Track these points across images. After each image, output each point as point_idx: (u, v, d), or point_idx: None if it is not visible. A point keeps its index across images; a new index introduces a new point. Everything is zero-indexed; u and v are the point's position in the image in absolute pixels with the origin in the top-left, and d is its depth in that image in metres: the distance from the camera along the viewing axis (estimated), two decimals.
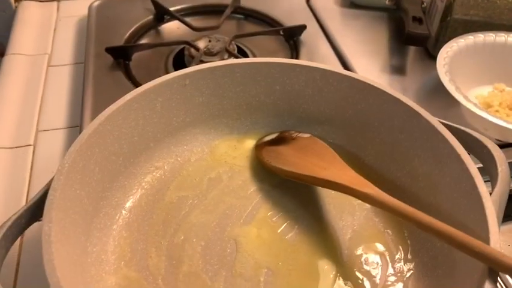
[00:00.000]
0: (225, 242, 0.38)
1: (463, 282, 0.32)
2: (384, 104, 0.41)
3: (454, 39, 0.53)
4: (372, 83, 0.41)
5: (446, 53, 0.51)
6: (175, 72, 0.42)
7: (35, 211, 0.33)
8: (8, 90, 0.58)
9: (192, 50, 0.57)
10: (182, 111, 0.44)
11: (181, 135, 0.45)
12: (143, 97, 0.40)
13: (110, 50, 0.56)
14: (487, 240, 0.30)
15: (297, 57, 0.59)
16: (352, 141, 0.45)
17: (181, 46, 0.59)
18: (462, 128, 0.39)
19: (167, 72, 0.50)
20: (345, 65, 0.59)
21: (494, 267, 0.28)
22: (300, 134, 0.45)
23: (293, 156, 0.42)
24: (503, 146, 0.48)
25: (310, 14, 0.66)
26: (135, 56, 0.58)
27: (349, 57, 0.59)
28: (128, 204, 0.41)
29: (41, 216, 0.31)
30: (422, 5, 0.63)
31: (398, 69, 0.58)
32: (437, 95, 0.53)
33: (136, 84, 0.53)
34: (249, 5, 0.67)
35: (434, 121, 0.37)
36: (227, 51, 0.56)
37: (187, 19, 0.63)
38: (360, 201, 0.40)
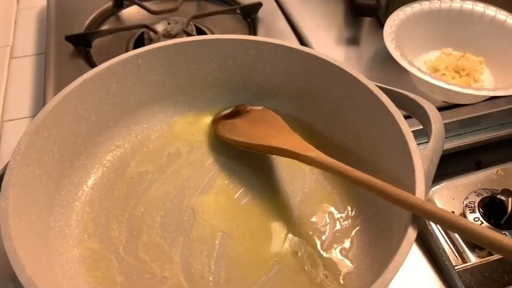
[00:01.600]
0: (182, 211, 0.41)
1: (397, 232, 0.34)
2: (328, 72, 0.43)
3: (401, 8, 0.56)
4: (315, 54, 0.43)
5: (393, 21, 0.53)
6: (128, 52, 0.43)
7: None
8: None
9: (151, 33, 0.58)
10: (138, 90, 0.46)
11: (139, 114, 0.47)
12: (98, 78, 0.42)
13: (70, 38, 0.57)
14: (413, 191, 0.32)
15: (254, 34, 0.61)
16: (303, 111, 0.47)
17: (141, 30, 0.61)
18: (400, 90, 0.41)
19: None
20: (302, 40, 0.61)
21: (415, 213, 0.30)
22: (254, 107, 0.47)
23: (246, 128, 0.44)
24: (448, 107, 0.51)
25: None
26: (96, 42, 0.60)
27: (306, 32, 0.61)
28: (90, 181, 0.43)
29: None
30: None
31: (352, 41, 0.60)
32: (389, 63, 0.55)
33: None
34: None
35: (372, 85, 0.40)
36: (185, 32, 0.58)
37: (146, 3, 0.65)
38: (310, 167, 0.43)
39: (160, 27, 0.59)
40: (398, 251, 0.29)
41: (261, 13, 0.63)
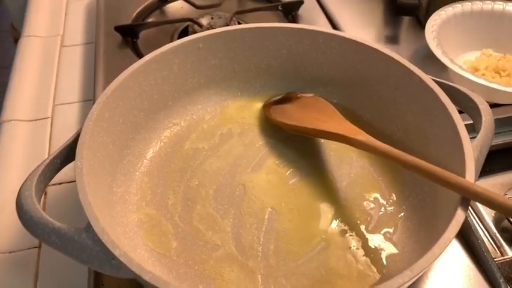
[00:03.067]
0: (234, 186, 0.43)
1: (443, 218, 0.36)
2: (380, 63, 0.44)
3: (442, 8, 0.56)
4: (368, 44, 0.45)
5: (435, 21, 0.54)
6: (190, 36, 0.46)
7: (68, 153, 0.38)
8: (25, 70, 0.63)
9: (196, 26, 0.61)
10: (197, 72, 0.48)
11: (196, 95, 0.49)
12: (161, 58, 0.45)
13: (119, 29, 0.61)
14: (464, 175, 0.33)
15: None
16: (352, 100, 0.49)
17: (186, 24, 0.63)
18: (451, 84, 0.42)
19: None
20: None
21: (465, 195, 0.31)
22: (304, 94, 0.49)
23: (296, 112, 0.46)
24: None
25: None
26: (142, 34, 0.63)
27: (346, 29, 0.63)
28: (149, 154, 0.45)
29: (73, 158, 0.36)
30: None
31: (391, 40, 0.62)
32: (428, 62, 0.56)
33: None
34: None
35: (425, 76, 0.41)
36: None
37: None
38: (357, 153, 0.45)
39: (204, 22, 0.62)
40: (447, 228, 0.30)
41: (301, 11, 0.65)
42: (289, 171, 0.44)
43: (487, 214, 0.44)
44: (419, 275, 0.28)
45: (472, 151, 0.35)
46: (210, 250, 0.38)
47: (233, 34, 0.47)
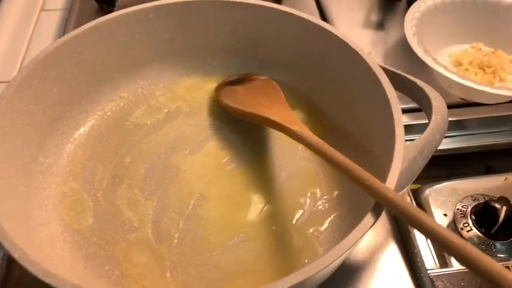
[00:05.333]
0: (167, 168, 0.41)
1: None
2: (334, 47, 0.41)
3: None
4: (321, 24, 0.41)
5: (418, 8, 0.50)
6: (139, 5, 0.44)
7: None
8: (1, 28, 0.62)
9: None
10: (147, 45, 0.46)
11: (147, 69, 0.47)
12: (104, 27, 0.42)
13: None
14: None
15: None
16: (309, 86, 0.46)
17: None
18: (407, 76, 0.38)
19: None
20: (325, 18, 0.59)
21: (378, 200, 0.29)
22: (259, 77, 0.46)
23: (244, 96, 0.43)
24: (467, 105, 0.48)
25: None
26: (121, 2, 0.60)
27: (332, 10, 0.59)
28: (87, 127, 0.44)
29: None
30: None
31: (378, 25, 0.58)
32: (413, 51, 0.52)
33: None
34: None
35: (374, 64, 0.37)
36: None
37: None
38: (302, 145, 0.42)
39: None
40: (349, 234, 0.27)
41: None
42: (228, 157, 0.42)
43: None
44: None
45: (406, 153, 0.32)
46: (125, 231, 0.37)
47: (186, 6, 0.45)
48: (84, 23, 0.57)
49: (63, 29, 0.59)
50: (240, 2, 0.44)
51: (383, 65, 0.39)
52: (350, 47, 0.40)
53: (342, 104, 0.43)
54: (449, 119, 0.36)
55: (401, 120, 0.34)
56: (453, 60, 0.52)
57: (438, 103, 0.37)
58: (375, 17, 0.59)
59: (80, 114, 0.44)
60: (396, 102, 0.35)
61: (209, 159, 0.42)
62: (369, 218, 0.28)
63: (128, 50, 0.45)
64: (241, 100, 0.43)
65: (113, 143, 0.43)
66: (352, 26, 0.58)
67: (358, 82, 0.40)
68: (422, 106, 0.38)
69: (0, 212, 0.30)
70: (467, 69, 0.49)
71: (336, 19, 0.58)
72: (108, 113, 0.45)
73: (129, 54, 0.45)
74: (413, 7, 0.51)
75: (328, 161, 0.33)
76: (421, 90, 0.38)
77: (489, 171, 0.46)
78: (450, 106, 0.48)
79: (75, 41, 0.41)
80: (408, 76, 0.39)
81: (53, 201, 0.38)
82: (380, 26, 0.58)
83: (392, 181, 0.30)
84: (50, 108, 0.40)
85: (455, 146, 0.45)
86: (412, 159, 0.33)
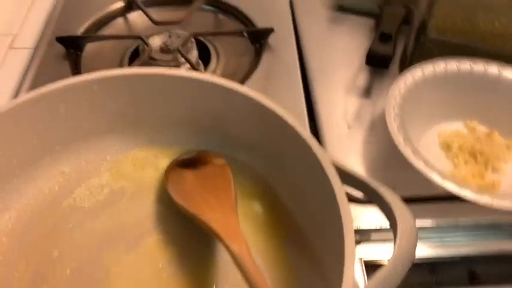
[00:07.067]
0: (96, 269, 0.36)
1: None
2: (289, 134, 0.36)
3: (420, 64, 0.46)
4: (270, 107, 0.37)
5: (399, 89, 0.44)
6: (81, 76, 0.39)
7: None
8: None
9: (144, 46, 0.54)
10: (93, 117, 0.41)
11: (93, 140, 0.42)
12: (41, 101, 0.38)
13: (61, 40, 0.54)
14: None
15: (258, 62, 0.55)
16: (270, 173, 0.40)
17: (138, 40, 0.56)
18: (361, 177, 0.33)
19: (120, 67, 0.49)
20: (305, 79, 0.54)
21: None
22: (215, 159, 0.41)
23: (191, 185, 0.38)
24: (449, 198, 0.42)
25: (290, 15, 0.61)
26: (93, 46, 0.56)
27: (314, 68, 0.54)
28: (18, 209, 0.39)
29: None
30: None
31: (364, 91, 0.52)
32: None
33: None
34: None
35: (327, 163, 0.32)
36: (179, 51, 0.52)
37: (155, 9, 0.60)
38: None
39: (159, 40, 0.55)
40: None
41: (272, 39, 0.57)
42: (166, 260, 0.37)
43: None
44: None
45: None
46: None
47: (136, 79, 0.40)
48: (45, 68, 0.54)
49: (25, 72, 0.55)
50: (192, 79, 0.40)
51: (340, 164, 0.33)
52: (302, 137, 0.34)
53: (302, 201, 0.37)
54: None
55: (353, 248, 0.28)
56: (442, 141, 0.46)
57: (405, 225, 0.31)
58: (361, 82, 0.53)
59: (10, 194, 0.39)
60: (348, 212, 0.30)
61: (145, 261, 0.37)
62: None
63: (70, 121, 0.40)
64: (187, 193, 0.38)
65: (43, 231, 0.38)
66: (335, 89, 0.52)
67: (314, 181, 0.34)
68: (388, 220, 0.33)
69: None
70: (456, 156, 0.44)
71: (317, 80, 0.53)
72: (45, 191, 0.40)
73: (72, 125, 0.41)
74: (400, 81, 0.45)
75: None
76: (384, 203, 0.32)
77: (473, 278, 0.40)
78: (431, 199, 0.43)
79: (6, 116, 0.36)
80: (362, 177, 0.34)
81: None
82: (367, 92, 0.52)
83: None
84: None
85: (436, 255, 0.39)
86: None
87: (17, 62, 0.59)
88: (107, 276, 0.36)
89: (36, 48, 0.58)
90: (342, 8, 0.62)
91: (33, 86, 0.51)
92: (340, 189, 0.31)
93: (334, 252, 0.31)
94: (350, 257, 0.28)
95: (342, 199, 0.31)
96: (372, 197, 0.33)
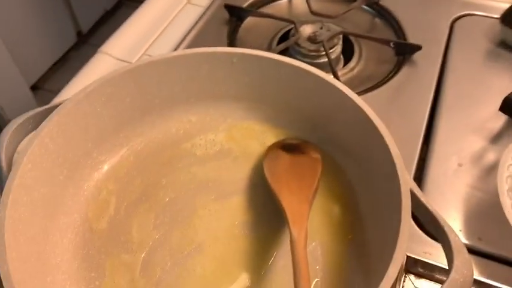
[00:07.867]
0: (187, 206, 0.43)
1: None
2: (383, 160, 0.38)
3: None
4: (378, 126, 0.38)
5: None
6: (225, 48, 0.46)
7: None
8: (145, 13, 0.69)
9: (294, 31, 0.58)
10: (227, 83, 0.47)
11: (222, 103, 0.48)
12: (190, 59, 0.45)
13: (228, 7, 0.62)
14: None
15: (393, 76, 0.55)
16: (359, 180, 0.43)
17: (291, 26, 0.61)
18: (430, 208, 0.34)
19: (269, 45, 0.57)
20: (435, 102, 0.53)
21: None
22: (312, 152, 0.44)
23: (282, 167, 0.43)
24: None
25: (445, 38, 0.59)
26: (252, 19, 0.63)
27: (446, 101, 0.52)
28: (149, 137, 0.47)
29: None
30: None
31: (490, 135, 0.49)
32: None
33: (230, 45, 0.59)
34: (388, 4, 0.63)
35: (405, 189, 0.34)
36: (323, 44, 0.56)
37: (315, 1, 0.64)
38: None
39: (309, 29, 0.58)
40: None
41: (417, 56, 0.56)
42: (243, 221, 0.42)
43: None
44: None
45: None
46: (123, 249, 0.40)
47: (266, 61, 0.45)
48: (209, 27, 0.62)
49: (191, 26, 0.63)
50: (313, 74, 0.43)
51: (416, 191, 0.35)
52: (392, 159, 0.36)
53: (376, 211, 0.39)
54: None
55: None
56: None
57: (462, 268, 0.31)
58: (491, 125, 0.50)
59: (146, 124, 0.48)
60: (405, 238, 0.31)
61: (225, 215, 0.43)
62: None
63: (208, 82, 0.47)
64: (277, 171, 0.42)
65: (161, 161, 0.46)
66: (461, 123, 0.51)
67: (389, 195, 0.36)
68: (446, 258, 0.33)
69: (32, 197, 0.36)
70: None
71: (449, 107, 0.52)
72: (173, 130, 0.48)
73: (208, 85, 0.48)
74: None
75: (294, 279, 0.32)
76: (446, 241, 0.33)
77: None
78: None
79: (158, 63, 0.44)
80: (438, 217, 0.34)
81: (87, 195, 0.43)
82: (493, 138, 0.49)
83: None
84: (120, 114, 0.45)
85: None
86: None
87: (190, 16, 0.68)
88: (193, 214, 0.43)
89: (207, 8, 0.66)
90: (503, 44, 0.58)
91: (193, 42, 0.59)
92: (406, 214, 0.33)
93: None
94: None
95: (404, 226, 0.32)
96: (435, 232, 0.34)
